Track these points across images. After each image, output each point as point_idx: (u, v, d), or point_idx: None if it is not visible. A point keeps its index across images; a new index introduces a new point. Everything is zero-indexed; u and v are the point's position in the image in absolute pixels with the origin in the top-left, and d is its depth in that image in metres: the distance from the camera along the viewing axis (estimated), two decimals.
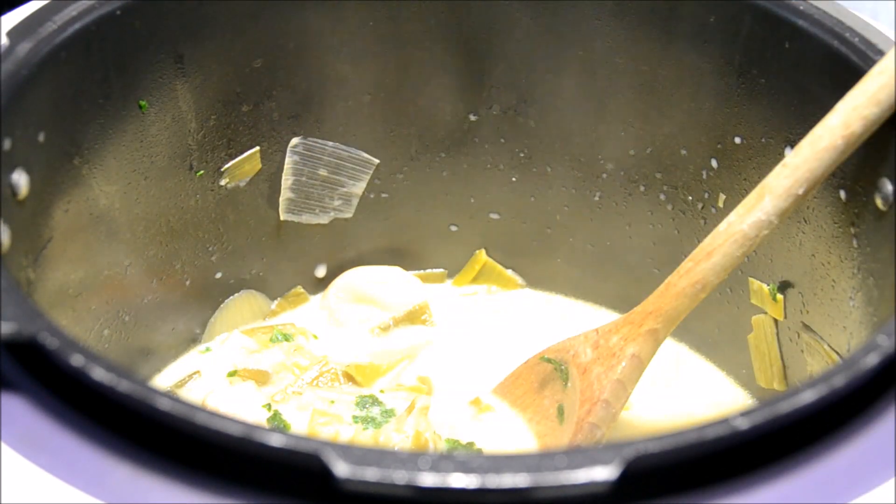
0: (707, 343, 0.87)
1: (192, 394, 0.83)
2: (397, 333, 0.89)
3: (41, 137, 0.67)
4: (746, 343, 0.82)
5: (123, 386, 0.48)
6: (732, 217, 0.67)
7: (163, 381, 0.84)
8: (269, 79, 0.82)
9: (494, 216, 0.92)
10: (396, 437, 0.76)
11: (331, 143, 0.87)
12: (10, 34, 0.66)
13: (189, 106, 0.79)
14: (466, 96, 0.86)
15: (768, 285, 0.79)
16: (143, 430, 0.48)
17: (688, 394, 0.85)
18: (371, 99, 0.86)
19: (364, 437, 0.78)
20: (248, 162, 0.84)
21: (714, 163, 0.81)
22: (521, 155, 0.88)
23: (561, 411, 0.77)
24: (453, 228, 0.93)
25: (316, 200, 0.88)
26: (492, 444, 0.80)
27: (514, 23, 0.82)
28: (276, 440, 0.45)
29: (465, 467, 0.44)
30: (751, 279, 0.81)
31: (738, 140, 0.79)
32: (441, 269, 0.94)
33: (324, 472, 0.44)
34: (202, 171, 0.82)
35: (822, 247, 0.73)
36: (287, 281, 0.91)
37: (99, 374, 0.48)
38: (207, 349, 0.87)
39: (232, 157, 0.83)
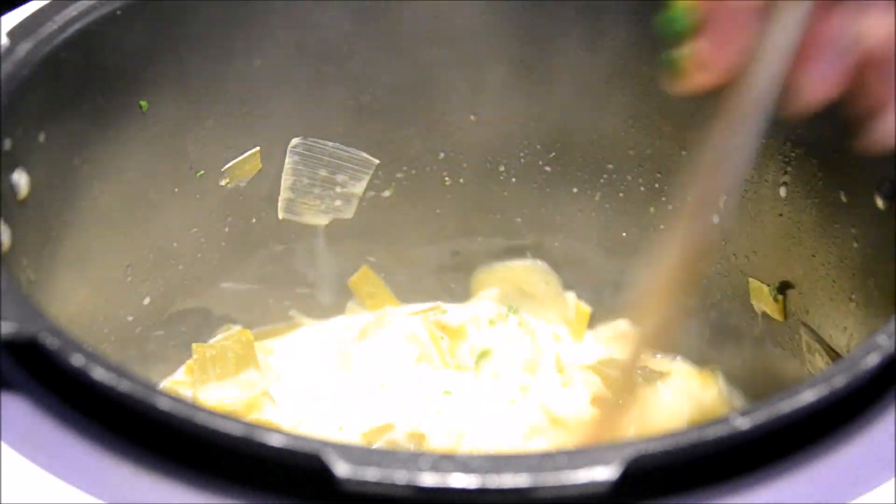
0: (707, 343, 0.87)
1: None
2: None
3: (41, 137, 0.67)
4: (746, 343, 0.83)
5: (123, 386, 0.48)
6: None
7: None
8: (269, 79, 0.82)
9: (494, 216, 0.92)
10: None
11: (331, 143, 0.87)
12: (10, 34, 0.66)
13: (189, 106, 0.79)
14: (466, 96, 0.86)
15: (768, 285, 0.79)
16: (143, 430, 0.48)
17: (686, 394, 0.85)
18: (371, 99, 0.86)
19: None
20: (248, 162, 0.84)
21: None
22: (521, 155, 0.88)
23: None
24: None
25: (316, 200, 0.88)
26: None
27: (514, 23, 0.82)
28: (276, 440, 0.45)
29: (465, 467, 0.44)
30: (751, 279, 0.81)
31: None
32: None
33: (324, 472, 0.44)
34: (202, 172, 0.82)
35: (822, 247, 0.73)
36: (287, 282, 0.91)
37: (99, 373, 0.48)
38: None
39: (232, 157, 0.83)
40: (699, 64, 0.47)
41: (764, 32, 0.46)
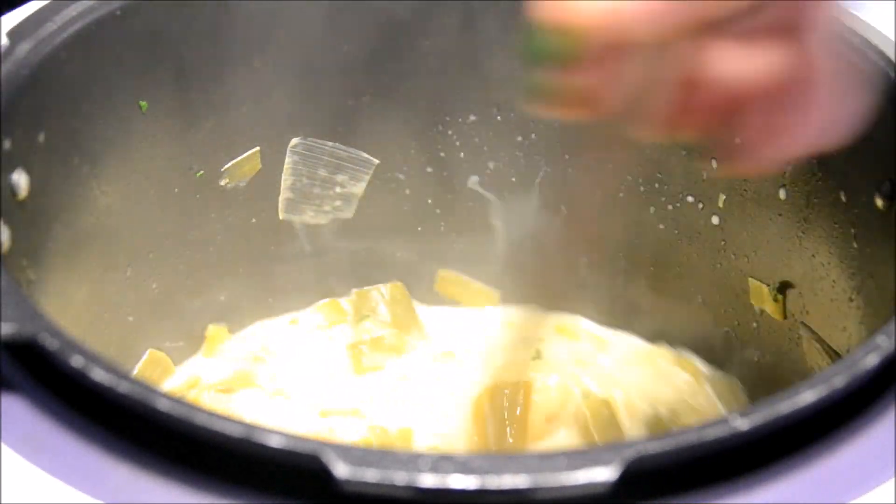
0: (706, 344, 0.87)
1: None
2: None
3: (41, 137, 0.67)
4: (745, 343, 0.82)
5: (123, 386, 0.48)
6: None
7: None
8: (268, 79, 0.82)
9: None
10: None
11: (330, 143, 0.87)
12: (10, 34, 0.66)
13: (189, 106, 0.79)
14: (467, 96, 0.86)
15: (768, 285, 0.79)
16: (142, 430, 0.48)
17: (686, 394, 0.85)
18: (371, 99, 0.86)
19: None
20: (247, 162, 0.84)
21: (714, 163, 0.81)
22: (520, 154, 0.88)
23: None
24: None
25: (316, 200, 0.88)
26: None
27: (515, 22, 0.82)
28: (275, 441, 0.45)
29: (464, 468, 0.44)
30: (751, 279, 0.81)
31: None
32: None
33: (323, 473, 0.44)
34: (202, 172, 0.82)
35: (822, 247, 0.73)
36: (286, 282, 0.91)
37: (99, 374, 0.48)
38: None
39: (232, 157, 0.83)
40: (581, 97, 0.45)
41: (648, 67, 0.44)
